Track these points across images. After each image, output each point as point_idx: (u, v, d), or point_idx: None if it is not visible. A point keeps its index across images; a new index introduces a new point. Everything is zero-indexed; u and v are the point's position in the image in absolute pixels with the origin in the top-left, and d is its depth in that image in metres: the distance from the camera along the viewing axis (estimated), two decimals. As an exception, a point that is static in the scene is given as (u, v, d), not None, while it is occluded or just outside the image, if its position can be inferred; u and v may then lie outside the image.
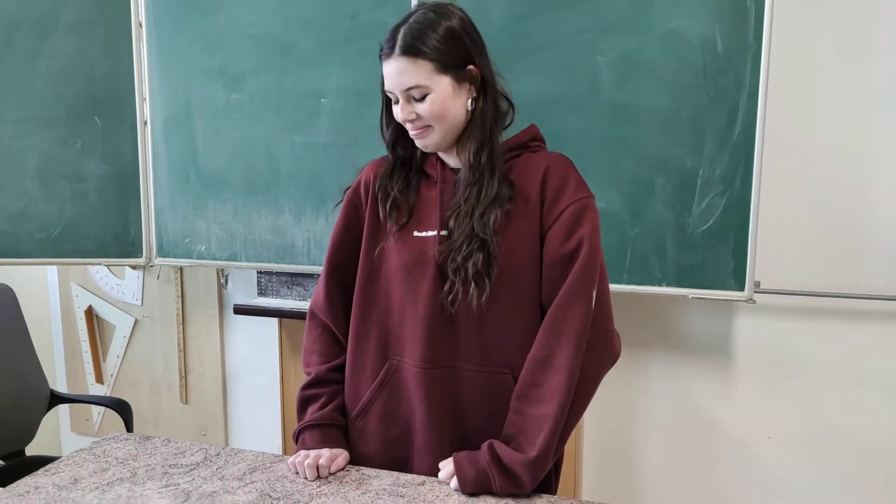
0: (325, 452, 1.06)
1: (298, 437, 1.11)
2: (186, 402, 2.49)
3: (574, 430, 1.93)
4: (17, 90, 2.11)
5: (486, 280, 1.01)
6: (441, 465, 1.02)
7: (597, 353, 1.02)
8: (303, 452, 1.06)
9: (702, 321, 1.91)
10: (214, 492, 0.98)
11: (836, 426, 1.84)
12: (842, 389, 1.82)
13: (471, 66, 1.02)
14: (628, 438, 2.02)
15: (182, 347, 2.46)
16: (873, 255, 1.76)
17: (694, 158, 1.68)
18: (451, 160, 1.10)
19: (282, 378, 2.22)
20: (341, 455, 1.07)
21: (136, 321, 2.52)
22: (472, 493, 0.97)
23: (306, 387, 1.15)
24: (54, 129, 2.12)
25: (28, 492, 0.98)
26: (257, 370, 2.37)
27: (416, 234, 1.08)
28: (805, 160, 1.78)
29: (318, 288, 1.19)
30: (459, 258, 1.01)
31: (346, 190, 1.18)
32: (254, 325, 2.33)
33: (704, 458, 1.95)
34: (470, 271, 1.01)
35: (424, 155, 1.12)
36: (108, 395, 2.54)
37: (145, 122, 2.15)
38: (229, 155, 2.10)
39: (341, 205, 1.18)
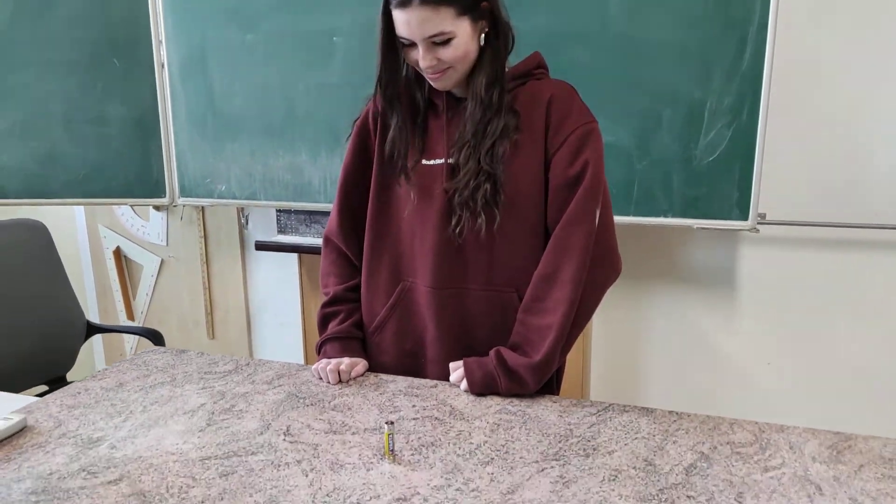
0: (346, 360, 1.15)
1: (321, 349, 1.21)
2: (213, 337, 2.62)
3: (582, 357, 2.01)
4: (37, 35, 2.17)
5: (495, 210, 1.07)
6: (451, 367, 1.11)
7: (600, 269, 1.08)
8: (325, 360, 1.15)
9: (706, 253, 1.96)
10: (247, 392, 1.08)
11: (833, 353, 1.91)
12: (841, 318, 1.88)
13: (484, 2, 1.05)
14: (632, 364, 2.11)
15: (207, 285, 2.57)
16: (877, 186, 1.79)
17: (702, 90, 1.71)
18: (457, 89, 1.13)
19: (303, 311, 2.33)
20: (361, 363, 1.16)
21: (162, 261, 2.63)
22: (480, 393, 1.06)
23: (326, 305, 1.24)
24: (75, 73, 2.19)
25: (79, 392, 1.09)
26: (279, 305, 2.48)
27: (424, 162, 1.14)
28: (812, 92, 1.80)
29: (331, 215, 1.26)
30: (467, 192, 1.07)
31: (356, 121, 1.23)
32: (274, 262, 2.42)
33: (705, 380, 2.04)
34: (479, 204, 1.06)
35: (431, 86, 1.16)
36: (138, 330, 2.67)
37: (162, 65, 2.20)
38: (245, 96, 2.15)
39: (351, 136, 1.23)
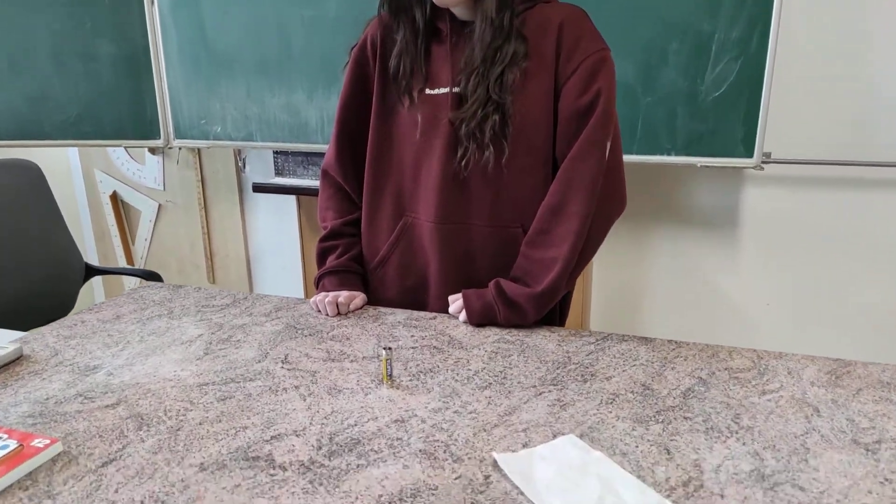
0: (345, 293, 1.14)
1: (319, 283, 1.20)
2: (213, 281, 2.62)
3: (581, 295, 2.01)
4: (21, -32, 2.09)
5: (503, 142, 1.04)
6: (450, 299, 1.10)
7: (608, 203, 1.05)
8: (323, 293, 1.15)
9: (709, 192, 1.94)
10: (244, 324, 1.08)
11: (835, 294, 1.90)
12: (845, 258, 1.87)
13: None
14: (631, 302, 2.12)
15: (206, 230, 2.56)
16: (885, 123, 1.75)
17: (710, 22, 1.65)
18: (462, 13, 1.08)
19: (303, 254, 2.32)
20: (359, 296, 1.16)
21: (159, 206, 2.61)
22: (479, 324, 1.06)
23: (324, 239, 1.22)
24: (62, 6, 2.11)
25: (76, 324, 1.08)
26: (279, 248, 2.47)
27: (428, 91, 1.10)
28: (822, 26, 1.73)
29: (329, 148, 1.23)
30: (474, 123, 1.03)
31: (352, 49, 1.19)
32: (273, 206, 2.40)
33: (704, 320, 2.04)
34: (487, 136, 1.03)
35: (434, 8, 1.11)
36: (139, 275, 2.68)
37: (152, 1, 2.13)
38: (238, 31, 2.09)
39: (348, 64, 1.19)
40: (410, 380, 0.88)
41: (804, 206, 1.87)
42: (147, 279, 1.98)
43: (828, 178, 1.83)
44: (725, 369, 0.90)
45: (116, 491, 0.66)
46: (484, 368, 0.91)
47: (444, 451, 0.72)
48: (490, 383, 0.87)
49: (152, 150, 2.51)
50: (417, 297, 1.18)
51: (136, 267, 2.70)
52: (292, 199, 2.29)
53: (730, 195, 1.92)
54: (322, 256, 1.22)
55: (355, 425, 0.77)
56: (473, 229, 1.10)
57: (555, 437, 0.74)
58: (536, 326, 1.06)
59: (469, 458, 0.70)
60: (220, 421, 0.78)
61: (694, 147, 1.72)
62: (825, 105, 1.78)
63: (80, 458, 0.71)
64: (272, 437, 0.75)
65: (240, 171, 2.44)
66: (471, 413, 0.79)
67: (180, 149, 2.41)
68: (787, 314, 1.96)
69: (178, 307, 1.16)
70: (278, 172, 2.29)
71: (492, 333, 1.03)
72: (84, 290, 1.97)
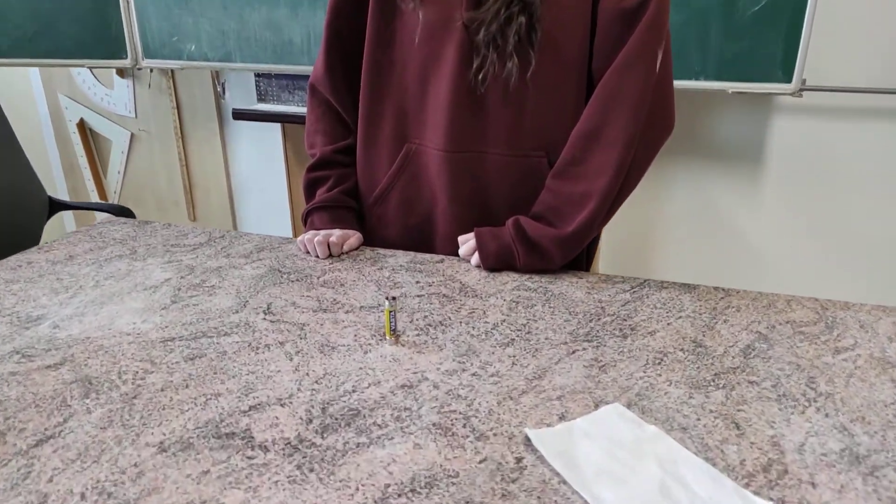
0: (337, 231, 0.99)
1: (307, 220, 1.04)
2: (194, 219, 2.45)
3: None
4: None
5: (530, 51, 0.86)
6: (460, 240, 0.95)
7: (655, 125, 0.88)
8: (312, 232, 0.99)
9: (736, 124, 1.77)
10: (220, 267, 0.92)
11: (861, 232, 1.77)
12: (875, 196, 1.73)
13: None
14: (644, 238, 1.98)
15: (184, 162, 2.36)
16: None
17: (753, -78, 1.43)
18: None
19: (290, 188, 2.15)
20: (354, 235, 1.00)
21: (132, 135, 2.40)
22: (493, 269, 0.91)
23: (312, 168, 1.06)
24: None
25: (20, 266, 0.93)
26: (264, 182, 2.29)
27: None
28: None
29: (318, 58, 1.05)
30: (495, 27, 0.85)
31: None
32: (256, 135, 2.21)
33: (721, 260, 1.92)
34: (510, 43, 0.85)
35: None
36: (113, 211, 2.50)
37: None
38: (211, -65, 1.84)
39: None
40: (418, 334, 0.74)
41: (837, 140, 1.71)
42: (118, 216, 1.81)
43: (865, 108, 1.66)
44: (787, 322, 0.77)
45: (51, 480, 0.52)
46: (504, 321, 0.77)
47: (464, 426, 0.58)
48: (512, 339, 0.73)
49: (120, 73, 2.28)
50: (422, 238, 1.02)
51: (111, 202, 2.52)
52: (277, 127, 2.10)
53: (757, 127, 1.75)
54: (310, 189, 1.06)
55: (353, 392, 0.63)
56: (490, 158, 0.94)
57: (597, 406, 0.61)
58: (561, 272, 0.91)
59: (495, 435, 0.57)
60: (186, 386, 0.64)
61: (727, 70, 1.54)
62: (869, 26, 1.59)
63: (7, 435, 0.57)
64: (251, 408, 0.61)
65: (219, 96, 2.22)
66: (492, 376, 0.66)
67: (151, 70, 2.19)
68: (811, 257, 1.83)
69: (143, 246, 1.00)
70: (261, 98, 2.08)
71: (510, 279, 0.89)
72: (53, 230, 1.80)
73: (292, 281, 0.88)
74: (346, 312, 0.79)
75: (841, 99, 1.66)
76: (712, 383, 0.65)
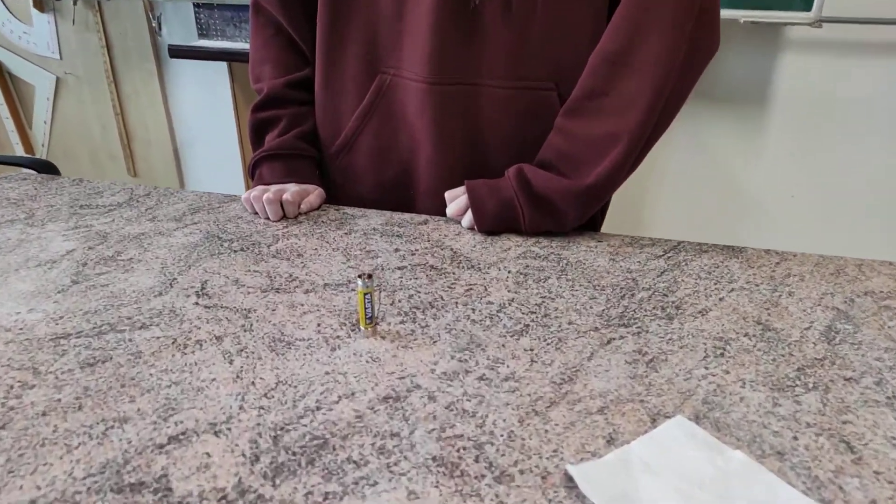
0: (292, 186, 0.79)
1: (255, 172, 0.84)
2: (135, 174, 2.20)
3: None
4: None
5: None
6: (448, 196, 0.76)
7: (700, 44, 0.68)
8: (261, 187, 0.79)
9: (742, 61, 1.60)
10: (142, 234, 0.72)
11: (875, 182, 1.64)
12: (881, 139, 1.60)
13: None
14: (637, 190, 1.82)
15: (119, 110, 2.09)
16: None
17: None
18: None
19: (241, 139, 1.92)
20: (314, 192, 0.81)
21: (58, 79, 2.11)
22: (490, 231, 0.73)
23: (259, 107, 0.85)
24: None
25: None
26: (211, 132, 2.04)
27: None
28: None
29: (263, -34, 0.83)
30: None
31: None
32: (200, 77, 1.95)
33: (719, 212, 1.78)
34: None
35: None
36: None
37: None
38: None
39: None
40: (402, 321, 0.56)
41: (852, 79, 1.56)
42: (41, 172, 1.56)
43: (887, 43, 1.50)
44: (865, 294, 0.62)
45: None
46: (512, 300, 0.60)
47: (477, 459, 0.41)
48: (526, 325, 0.56)
49: (39, 5, 1.97)
50: (399, 194, 0.83)
51: (37, 157, 2.23)
52: (223, 67, 1.84)
53: (764, 64, 1.58)
54: (258, 133, 0.86)
55: (317, 409, 0.46)
56: (485, 92, 0.74)
57: (654, 421, 0.45)
58: (573, 233, 0.74)
59: (522, 473, 0.40)
60: (79, 408, 0.46)
61: (737, -3, 1.36)
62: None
63: None
64: (171, 440, 0.43)
65: (154, 32, 1.94)
66: (507, 380, 0.49)
67: (75, 2, 1.89)
68: (814, 206, 1.70)
69: (44, 208, 0.79)
70: (202, 33, 1.82)
71: (512, 244, 0.71)
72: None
73: (235, 251, 0.69)
74: (306, 293, 0.61)
75: (860, 32, 1.50)
76: (799, 382, 0.49)
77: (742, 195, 1.73)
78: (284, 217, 0.77)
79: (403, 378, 0.49)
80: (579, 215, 0.71)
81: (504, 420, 0.45)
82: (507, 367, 0.50)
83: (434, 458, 0.41)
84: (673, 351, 0.52)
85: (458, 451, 0.42)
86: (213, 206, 0.80)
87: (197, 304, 0.59)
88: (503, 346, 0.53)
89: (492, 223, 0.72)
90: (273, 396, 0.47)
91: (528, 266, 0.66)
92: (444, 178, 0.77)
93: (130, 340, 0.53)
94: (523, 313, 0.57)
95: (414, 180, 0.81)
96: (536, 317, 0.57)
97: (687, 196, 1.78)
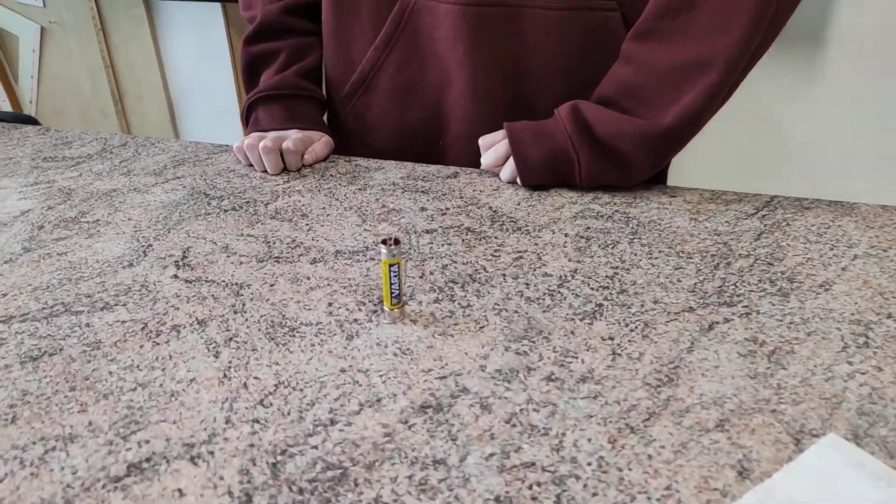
0: (294, 133, 0.66)
1: (249, 116, 0.70)
2: (129, 131, 2.06)
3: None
4: None
5: None
6: (483, 143, 0.62)
7: None
8: (256, 134, 0.66)
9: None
10: (114, 190, 0.60)
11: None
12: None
13: None
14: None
15: (109, 62, 1.94)
16: None
17: None
18: None
19: (237, 86, 1.77)
20: (321, 140, 0.67)
21: (42, 29, 1.95)
22: (537, 186, 0.60)
23: (252, 40, 0.71)
24: None
25: None
26: (208, 83, 1.89)
27: None
28: None
29: None
30: None
31: None
32: (193, 22, 1.78)
33: (763, 160, 1.62)
34: None
35: None
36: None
37: None
38: None
39: None
40: (438, 300, 0.44)
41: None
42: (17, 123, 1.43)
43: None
44: None
45: None
46: (576, 272, 0.47)
47: (559, 501, 0.29)
48: (600, 304, 0.43)
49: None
50: (425, 143, 0.70)
51: (18, 112, 2.09)
52: (216, 8, 1.68)
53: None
54: (251, 71, 0.72)
55: (332, 424, 0.33)
56: (530, 14, 0.60)
57: (797, 441, 0.32)
58: (637, 188, 0.61)
59: (626, 524, 0.28)
60: (12, 420, 0.34)
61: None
62: None
63: None
64: (131, 468, 0.31)
65: (143, -25, 1.78)
66: (583, 380, 0.36)
67: (54, -58, 1.72)
68: (865, 162, 1.55)
69: (1, 160, 0.66)
70: (195, -26, 1.65)
71: (565, 201, 0.58)
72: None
73: (225, 211, 0.56)
74: (313, 263, 0.48)
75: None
76: (978, 383, 0.36)
77: (792, 145, 1.58)
78: (285, 170, 0.64)
79: (445, 378, 0.37)
80: (652, 165, 0.57)
81: (589, 440, 0.32)
82: (582, 362, 0.38)
83: (498, 500, 0.29)
84: (799, 339, 0.40)
85: (530, 487, 0.30)
86: (200, 158, 0.67)
87: (176, 277, 0.46)
88: (572, 332, 0.40)
89: (539, 175, 0.59)
90: (272, 404, 0.35)
91: (588, 228, 0.53)
92: (481, 121, 0.64)
93: (88, 326, 0.41)
94: (592, 289, 0.45)
95: (443, 125, 0.67)
96: (610, 293, 0.44)
97: (724, 139, 1.62)
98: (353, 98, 0.70)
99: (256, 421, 0.34)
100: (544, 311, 0.42)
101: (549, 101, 0.61)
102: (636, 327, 0.41)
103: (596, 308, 0.43)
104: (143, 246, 0.50)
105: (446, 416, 0.34)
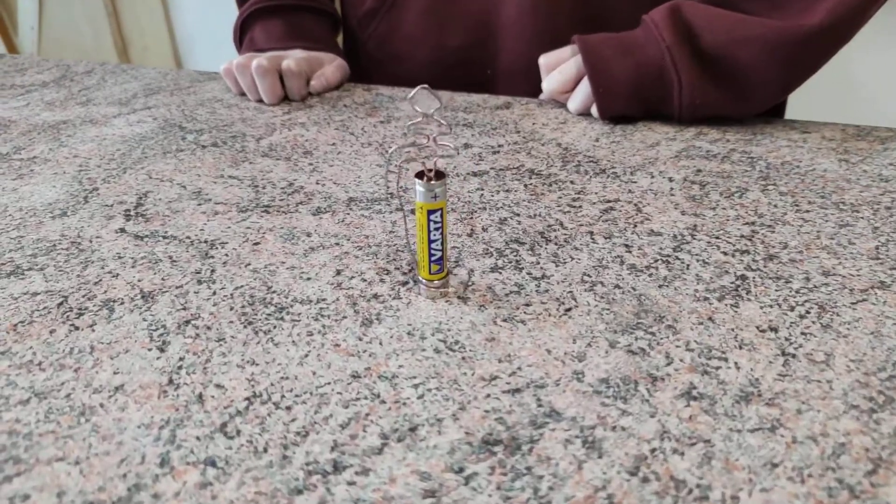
0: (297, 52, 0.51)
1: (243, 37, 0.56)
2: (135, 87, 1.93)
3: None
4: None
5: None
6: (545, 62, 0.47)
7: None
8: (249, 54, 0.51)
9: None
10: (65, 122, 0.46)
11: None
12: None
13: None
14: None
15: (112, 9, 1.80)
16: None
17: None
18: None
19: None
20: (332, 63, 0.53)
21: (40, -25, 1.81)
22: (621, 115, 0.45)
23: (249, -60, 0.56)
24: None
25: None
26: (215, 33, 1.74)
27: None
28: None
29: None
30: None
31: None
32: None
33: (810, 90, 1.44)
34: None
35: None
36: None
37: None
38: None
39: None
40: (497, 268, 0.29)
41: None
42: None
43: None
44: None
45: None
46: (695, 229, 0.32)
47: None
48: (742, 277, 0.29)
49: None
50: (467, 75, 0.54)
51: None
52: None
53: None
54: (247, -21, 0.57)
55: (335, 473, 0.20)
56: None
57: None
58: (755, 121, 0.45)
59: None
60: None
61: None
62: None
63: None
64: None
65: (144, -90, 1.62)
66: (747, 399, 0.22)
67: None
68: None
69: (-68, 89, 0.53)
70: None
71: (660, 137, 0.43)
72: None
73: (203, 147, 0.42)
74: (317, 214, 0.34)
75: None
76: None
77: (853, 78, 1.39)
78: (286, 99, 0.50)
79: (519, 392, 0.23)
80: (784, 86, 0.42)
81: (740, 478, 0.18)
82: (737, 367, 0.24)
83: None
84: None
85: None
86: (180, 86, 0.53)
87: (122, 231, 0.33)
88: (710, 319, 0.26)
89: (622, 101, 0.43)
90: (238, 434, 0.21)
91: (700, 171, 0.38)
92: (540, 43, 0.48)
93: (17, 309, 0.28)
94: (726, 254, 0.30)
95: (491, 51, 0.52)
96: (754, 261, 0.30)
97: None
98: (375, 20, 0.55)
99: (212, 464, 0.20)
100: (661, 287, 0.28)
101: (629, 13, 0.46)
102: (808, 312, 0.26)
103: (738, 282, 0.28)
104: (85, 190, 0.37)
105: (527, 460, 0.20)
